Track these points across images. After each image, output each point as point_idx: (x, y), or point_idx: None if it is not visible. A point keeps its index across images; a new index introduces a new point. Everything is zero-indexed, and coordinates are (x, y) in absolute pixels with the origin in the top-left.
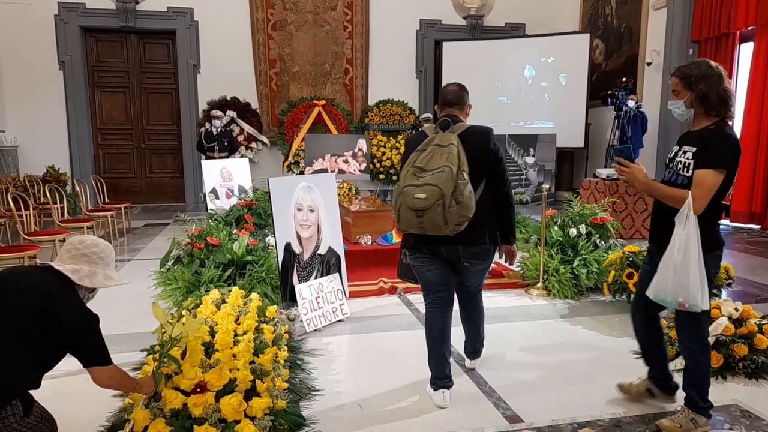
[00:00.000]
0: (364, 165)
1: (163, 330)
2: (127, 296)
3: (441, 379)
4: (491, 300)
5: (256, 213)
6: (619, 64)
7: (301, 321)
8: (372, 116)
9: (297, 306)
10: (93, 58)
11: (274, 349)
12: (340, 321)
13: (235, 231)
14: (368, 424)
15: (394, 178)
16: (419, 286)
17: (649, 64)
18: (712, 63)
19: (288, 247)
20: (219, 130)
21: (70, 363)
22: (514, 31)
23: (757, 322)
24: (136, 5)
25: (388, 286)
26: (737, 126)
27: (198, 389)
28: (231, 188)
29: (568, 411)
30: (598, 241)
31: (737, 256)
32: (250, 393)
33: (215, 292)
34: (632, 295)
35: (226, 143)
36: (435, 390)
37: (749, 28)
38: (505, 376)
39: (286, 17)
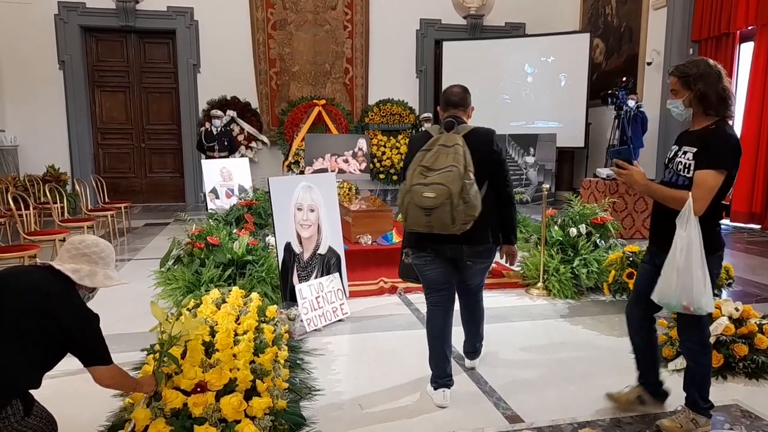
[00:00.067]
0: (364, 165)
1: (162, 329)
2: (128, 296)
3: (442, 377)
4: (491, 300)
5: (256, 213)
6: (619, 64)
7: (301, 321)
8: (372, 116)
9: (297, 306)
10: (93, 58)
11: (274, 348)
12: (340, 321)
13: (235, 231)
14: (368, 424)
15: (394, 177)
16: (420, 285)
17: (649, 63)
18: (711, 62)
19: (288, 247)
20: (219, 129)
21: (70, 363)
22: (514, 30)
23: (758, 322)
24: (136, 5)
25: (388, 286)
26: (737, 126)
27: (198, 389)
28: (231, 188)
29: (569, 411)
30: (598, 241)
31: (737, 256)
32: (251, 393)
33: (215, 291)
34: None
35: (226, 143)
36: (435, 389)
37: (749, 28)
38: (506, 376)
39: (286, 17)
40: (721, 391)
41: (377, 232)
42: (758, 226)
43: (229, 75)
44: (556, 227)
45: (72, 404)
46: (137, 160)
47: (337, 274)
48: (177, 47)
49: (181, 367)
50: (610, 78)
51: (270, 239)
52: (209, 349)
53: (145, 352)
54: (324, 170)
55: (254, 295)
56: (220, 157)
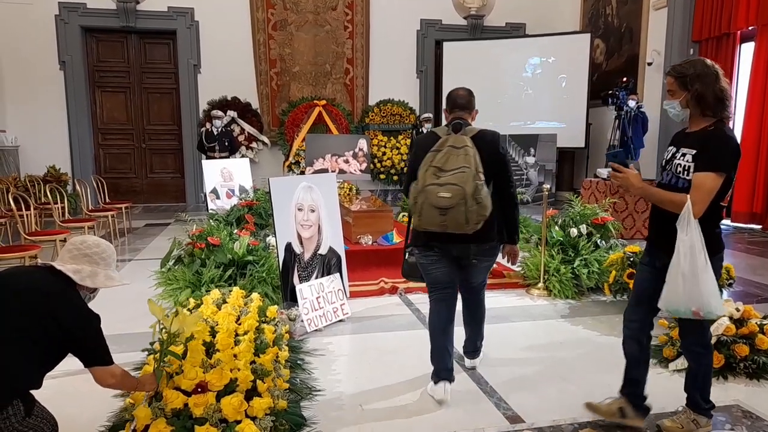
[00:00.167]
0: (364, 165)
1: (161, 326)
2: (128, 296)
3: (443, 371)
4: (492, 300)
5: (256, 213)
6: (619, 64)
7: (302, 321)
8: (372, 116)
9: (298, 306)
10: (93, 58)
11: (274, 349)
12: (340, 321)
13: (235, 231)
14: (369, 424)
15: (395, 178)
16: (423, 286)
17: (649, 64)
18: (708, 62)
19: (289, 247)
20: (219, 130)
21: (70, 363)
22: (514, 31)
23: (759, 323)
24: (137, 5)
25: (388, 286)
26: (738, 126)
27: (199, 389)
28: (232, 188)
29: (569, 411)
30: (598, 241)
31: (738, 257)
32: (251, 393)
33: (216, 292)
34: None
35: (226, 143)
36: (436, 383)
37: (750, 28)
38: (506, 376)
39: (287, 17)
40: (722, 392)
41: (378, 233)
42: (759, 227)
43: (230, 75)
44: (556, 227)
45: (72, 404)
46: (138, 161)
47: (338, 274)
48: (177, 48)
49: (182, 365)
50: (611, 78)
51: (270, 239)
52: (210, 349)
53: (146, 353)
54: (324, 170)
55: (255, 295)
56: (221, 158)
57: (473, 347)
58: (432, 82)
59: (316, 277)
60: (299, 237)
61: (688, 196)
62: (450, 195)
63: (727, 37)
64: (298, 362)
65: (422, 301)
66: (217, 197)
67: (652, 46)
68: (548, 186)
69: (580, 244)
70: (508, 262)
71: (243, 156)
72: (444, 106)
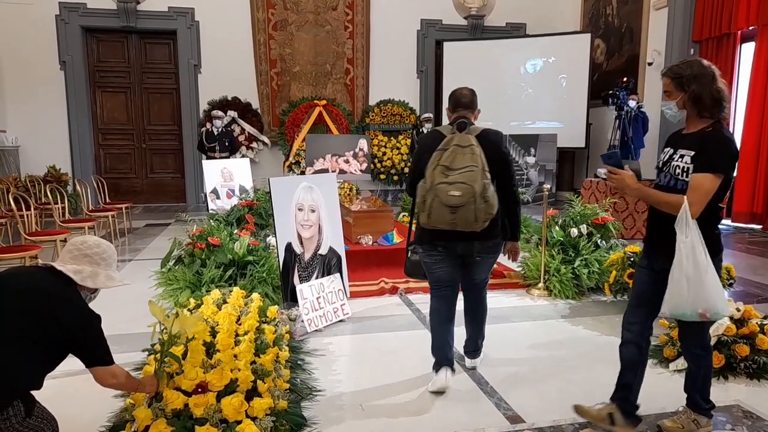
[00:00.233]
0: (365, 165)
1: (162, 326)
2: (129, 297)
3: (444, 359)
4: (492, 300)
5: (257, 213)
6: (620, 64)
7: (302, 321)
8: (373, 116)
9: (298, 306)
10: (94, 58)
11: (275, 349)
12: (341, 321)
13: (236, 231)
14: (369, 425)
15: (395, 178)
16: (424, 286)
17: (650, 64)
18: (705, 62)
19: (289, 247)
20: (220, 130)
21: (71, 363)
22: (515, 31)
23: (759, 323)
24: (137, 5)
25: (389, 287)
26: (738, 126)
27: (199, 389)
28: (232, 188)
29: (570, 411)
30: (599, 241)
31: (739, 257)
32: (252, 393)
33: (216, 292)
34: None
35: (227, 143)
36: (437, 371)
37: (750, 28)
38: (507, 376)
39: (287, 17)
40: (723, 392)
41: (378, 233)
42: (759, 227)
43: (230, 75)
44: (557, 227)
45: (73, 405)
46: (138, 161)
47: (338, 274)
48: (178, 48)
49: (182, 366)
50: (611, 78)
51: (271, 240)
52: (210, 349)
53: (147, 353)
54: (325, 171)
55: (255, 295)
56: (221, 158)
57: (474, 347)
58: (432, 82)
59: (317, 278)
60: (299, 237)
61: (685, 197)
62: (460, 193)
63: (727, 37)
64: (299, 362)
65: (422, 302)
66: (218, 197)
67: (652, 46)
68: (548, 186)
69: (580, 244)
70: (509, 258)
71: (243, 156)
72: (446, 105)
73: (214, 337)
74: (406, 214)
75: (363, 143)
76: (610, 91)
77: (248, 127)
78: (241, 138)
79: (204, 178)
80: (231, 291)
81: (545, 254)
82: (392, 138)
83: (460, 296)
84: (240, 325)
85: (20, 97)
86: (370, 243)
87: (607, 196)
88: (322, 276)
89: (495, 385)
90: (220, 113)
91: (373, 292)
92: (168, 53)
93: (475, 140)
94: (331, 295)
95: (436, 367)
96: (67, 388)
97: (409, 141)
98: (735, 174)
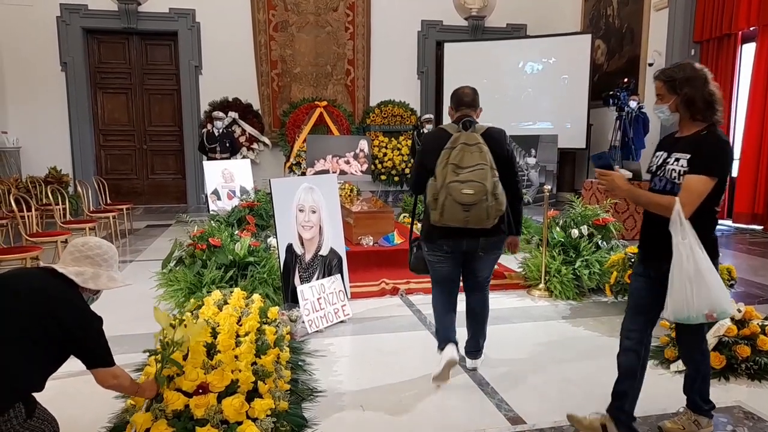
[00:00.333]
0: (365, 166)
1: (165, 334)
2: (130, 297)
3: (447, 339)
4: (493, 301)
5: (257, 214)
6: (620, 65)
7: (303, 322)
8: (373, 117)
9: (299, 307)
10: (95, 60)
11: (276, 350)
12: (341, 322)
13: (236, 232)
14: (370, 425)
15: (396, 179)
16: (425, 287)
17: (650, 64)
18: (697, 65)
19: (290, 248)
20: (221, 131)
21: (72, 364)
22: (515, 31)
23: (760, 324)
24: (138, 7)
25: (389, 287)
26: (739, 126)
27: (200, 390)
28: (233, 189)
29: (571, 412)
30: (600, 242)
31: (740, 258)
32: (252, 394)
33: (217, 293)
34: None
35: (227, 144)
36: (442, 349)
37: (751, 29)
38: (507, 378)
39: (288, 18)
40: (724, 393)
41: (379, 234)
42: (760, 227)
43: (231, 76)
44: (557, 228)
45: (74, 406)
46: (139, 162)
47: (339, 275)
48: (179, 49)
49: (183, 369)
50: (612, 79)
51: (272, 240)
52: (211, 350)
53: (148, 354)
54: (325, 171)
55: (256, 296)
56: (222, 159)
57: (476, 347)
58: (433, 83)
59: (317, 278)
60: (300, 238)
61: (677, 198)
62: (473, 192)
63: (728, 38)
64: (299, 363)
65: (423, 303)
66: (218, 198)
67: (653, 47)
68: (549, 187)
69: (581, 245)
70: (507, 251)
71: (244, 157)
72: (449, 103)
73: (215, 338)
74: (407, 215)
75: (364, 144)
76: (611, 92)
77: (249, 128)
78: (242, 139)
79: (205, 179)
80: (232, 292)
81: (546, 255)
82: (393, 139)
83: (461, 297)
84: (241, 326)
85: (21, 98)
86: (371, 244)
87: (608, 197)
88: (323, 277)
89: (496, 386)
90: (220, 114)
91: (373, 293)
92: (169, 54)
93: (481, 138)
94: (332, 296)
95: (442, 346)
96: (68, 389)
97: (409, 142)
98: (736, 175)
